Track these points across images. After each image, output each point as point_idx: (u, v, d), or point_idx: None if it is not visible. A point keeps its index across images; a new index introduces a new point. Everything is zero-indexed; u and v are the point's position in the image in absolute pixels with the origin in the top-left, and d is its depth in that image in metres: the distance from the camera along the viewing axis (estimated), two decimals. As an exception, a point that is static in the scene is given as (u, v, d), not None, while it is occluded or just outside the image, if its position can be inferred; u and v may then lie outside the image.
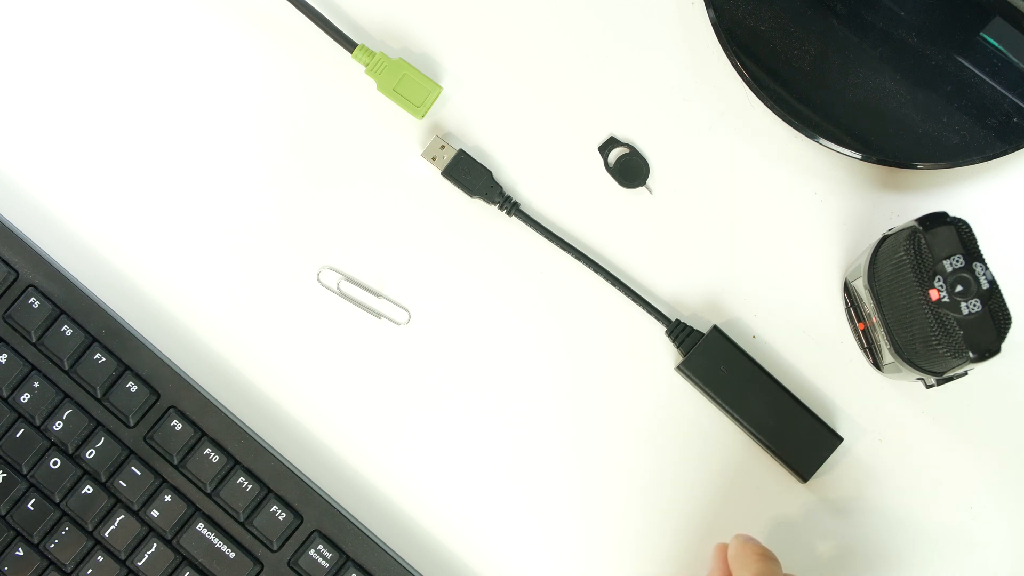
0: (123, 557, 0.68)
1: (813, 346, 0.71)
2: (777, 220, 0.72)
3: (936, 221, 0.64)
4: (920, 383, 0.68)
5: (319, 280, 0.72)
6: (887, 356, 0.68)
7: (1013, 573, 0.70)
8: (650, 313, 0.71)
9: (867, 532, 0.70)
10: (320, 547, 0.68)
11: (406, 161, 0.73)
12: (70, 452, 0.69)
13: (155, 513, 0.68)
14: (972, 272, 0.63)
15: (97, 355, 0.69)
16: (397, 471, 0.71)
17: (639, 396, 0.71)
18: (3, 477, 0.68)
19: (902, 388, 0.71)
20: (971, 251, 0.63)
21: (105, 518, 0.68)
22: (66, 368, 0.69)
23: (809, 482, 0.70)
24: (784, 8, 0.71)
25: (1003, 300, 0.63)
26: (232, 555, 0.68)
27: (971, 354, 0.62)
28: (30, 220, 0.72)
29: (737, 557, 0.65)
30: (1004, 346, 0.63)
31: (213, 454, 0.69)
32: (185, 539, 0.68)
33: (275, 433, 0.71)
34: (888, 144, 0.70)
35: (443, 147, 0.72)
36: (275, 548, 0.69)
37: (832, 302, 0.72)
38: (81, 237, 0.72)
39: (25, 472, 0.69)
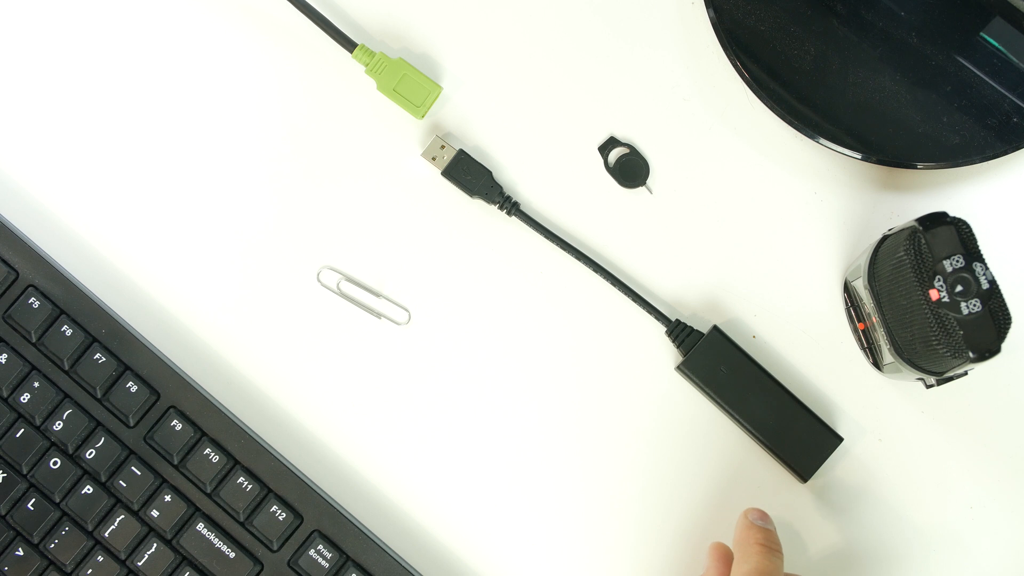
0: (123, 557, 0.68)
1: (813, 346, 0.71)
2: (777, 220, 0.72)
3: (936, 221, 0.64)
4: (920, 383, 0.68)
5: (319, 280, 0.72)
6: (887, 356, 0.68)
7: (1013, 573, 0.70)
8: (650, 313, 0.71)
9: (867, 532, 0.70)
10: (320, 547, 0.68)
11: (406, 161, 0.73)
12: (70, 452, 0.69)
13: (155, 513, 0.68)
14: (972, 272, 0.63)
15: (97, 355, 0.69)
16: (397, 471, 0.71)
17: (639, 396, 0.71)
18: (3, 477, 0.68)
19: (902, 388, 0.71)
20: (971, 251, 0.63)
21: (105, 518, 0.68)
22: (66, 368, 0.69)
23: (809, 482, 0.70)
24: (784, 8, 0.71)
25: (1003, 300, 0.63)
26: (232, 555, 0.68)
27: (971, 354, 0.62)
28: (30, 220, 0.72)
29: (740, 543, 0.66)
30: (1004, 346, 0.63)
31: (213, 454, 0.69)
32: (185, 539, 0.68)
33: (275, 433, 0.71)
34: (888, 144, 0.70)
35: (443, 147, 0.72)
36: (275, 548, 0.69)
37: (832, 302, 0.72)
38: (81, 237, 0.72)
39: (25, 472, 0.69)
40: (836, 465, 0.70)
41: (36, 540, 0.68)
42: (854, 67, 0.71)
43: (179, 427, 0.69)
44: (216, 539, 0.68)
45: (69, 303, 0.70)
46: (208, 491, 0.69)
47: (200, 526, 0.68)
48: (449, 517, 0.71)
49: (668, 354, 0.72)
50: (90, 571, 0.68)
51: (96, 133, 0.73)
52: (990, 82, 0.70)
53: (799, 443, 0.70)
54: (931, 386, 0.67)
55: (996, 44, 0.71)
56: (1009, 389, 0.71)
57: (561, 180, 0.73)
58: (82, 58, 0.73)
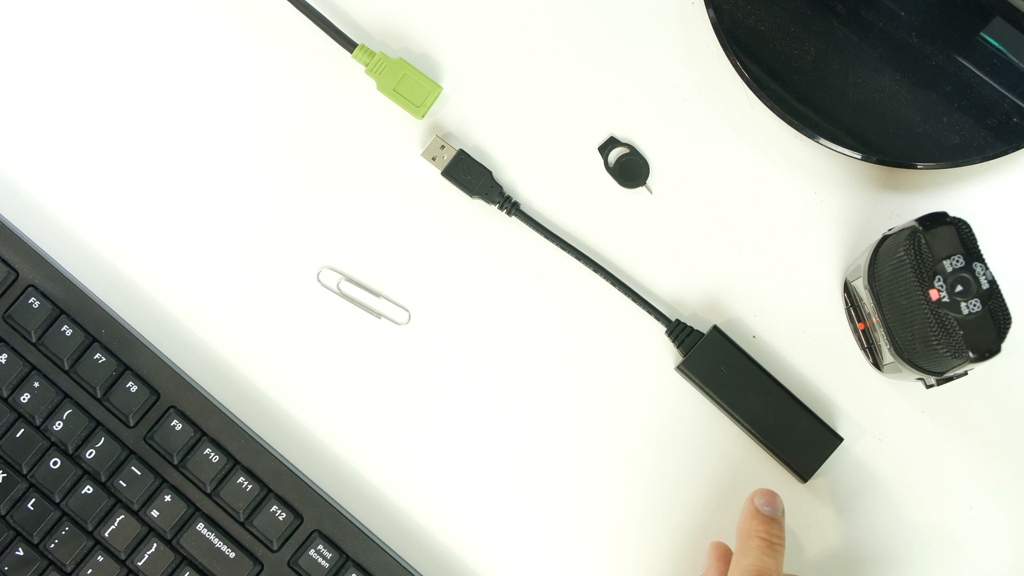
0: (123, 557, 0.68)
1: (813, 346, 0.71)
2: (777, 220, 0.72)
3: (936, 221, 0.64)
4: (920, 383, 0.68)
5: (319, 280, 0.72)
6: (887, 356, 0.68)
7: (1013, 573, 0.70)
8: (650, 313, 0.71)
9: (867, 532, 0.70)
10: (320, 547, 0.68)
11: (406, 161, 0.73)
12: (70, 452, 0.69)
13: (155, 513, 0.68)
14: (972, 272, 0.63)
15: (97, 355, 0.69)
16: (397, 471, 0.71)
17: (639, 396, 0.71)
18: (3, 477, 0.68)
19: (902, 388, 0.71)
20: (971, 251, 0.63)
21: (105, 518, 0.68)
22: (66, 368, 0.69)
23: (809, 482, 0.70)
24: (784, 8, 0.71)
25: (1003, 300, 0.63)
26: (232, 555, 0.68)
27: (971, 354, 0.62)
28: (30, 220, 0.72)
29: (742, 533, 0.66)
30: (1004, 346, 0.63)
31: (213, 454, 0.69)
32: (185, 539, 0.68)
33: (275, 433, 0.71)
34: (888, 144, 0.70)
35: (443, 147, 0.72)
36: (275, 548, 0.69)
37: (832, 302, 0.72)
38: (81, 237, 0.72)
39: (25, 472, 0.69)
40: (836, 465, 0.70)
41: (36, 540, 0.68)
42: (854, 67, 0.71)
43: (179, 427, 0.69)
44: (216, 539, 0.68)
45: (69, 303, 0.70)
46: (208, 491, 0.69)
47: (200, 526, 0.68)
48: (449, 517, 0.71)
49: (668, 354, 0.72)
50: (90, 571, 0.68)
51: (96, 133, 0.73)
52: (990, 82, 0.70)
53: (799, 443, 0.70)
54: (931, 386, 0.67)
55: (996, 44, 0.71)
56: (1009, 389, 0.71)
57: (561, 180, 0.73)
58: (82, 58, 0.73)
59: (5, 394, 0.69)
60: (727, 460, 0.71)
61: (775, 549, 0.65)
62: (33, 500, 0.68)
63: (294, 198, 0.73)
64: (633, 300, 0.71)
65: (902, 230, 0.65)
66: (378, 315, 0.72)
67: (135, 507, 0.69)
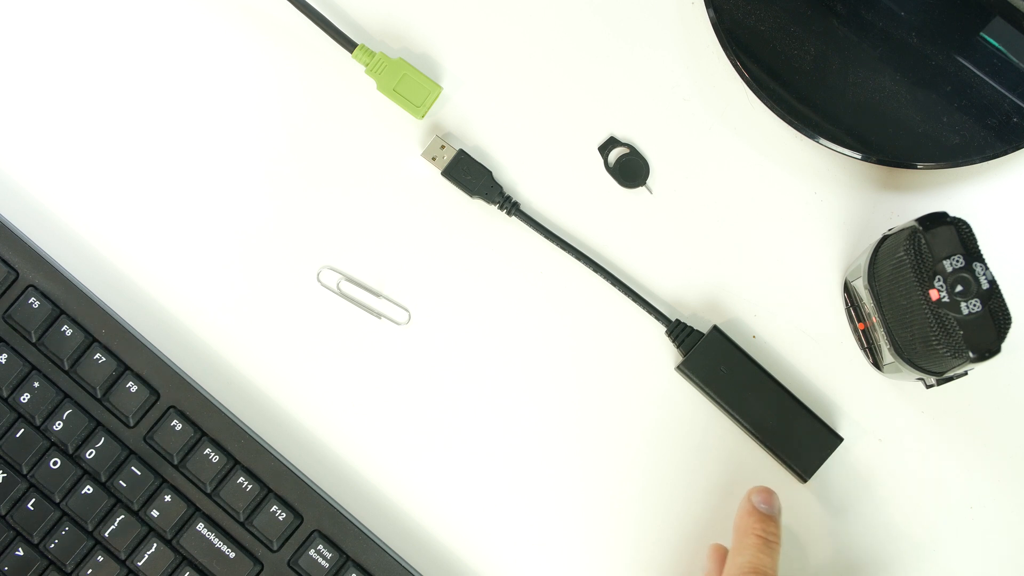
0: (123, 557, 0.68)
1: (813, 346, 0.71)
2: (777, 220, 0.72)
3: (936, 221, 0.64)
4: (920, 383, 0.68)
5: (319, 280, 0.72)
6: (887, 356, 0.68)
7: (1013, 573, 0.70)
8: (650, 313, 0.71)
9: (867, 532, 0.70)
10: (320, 547, 0.68)
11: (406, 161, 0.73)
12: (70, 452, 0.69)
13: (155, 513, 0.68)
14: (972, 272, 0.63)
15: (97, 355, 0.69)
16: (397, 471, 0.71)
17: (639, 396, 0.71)
18: (3, 477, 0.68)
19: (902, 388, 0.71)
20: (971, 251, 0.63)
21: (105, 518, 0.68)
22: (66, 368, 0.69)
23: (809, 482, 0.70)
24: (784, 8, 0.71)
25: (1003, 300, 0.63)
26: (232, 555, 0.68)
27: (971, 354, 0.62)
28: (30, 220, 0.72)
29: (738, 530, 0.66)
30: (1004, 346, 0.63)
31: (213, 454, 0.69)
32: (185, 539, 0.68)
33: (275, 433, 0.71)
34: (888, 144, 0.70)
35: (443, 147, 0.72)
36: (275, 548, 0.69)
37: (832, 302, 0.72)
38: (81, 237, 0.72)
39: (25, 472, 0.69)
40: (836, 465, 0.70)
41: (36, 540, 0.68)
42: (854, 67, 0.71)
43: (179, 427, 0.69)
44: (216, 539, 0.68)
45: (69, 303, 0.70)
46: (208, 491, 0.69)
47: (200, 526, 0.68)
48: (449, 517, 0.71)
49: (668, 354, 0.72)
50: (90, 571, 0.68)
51: (96, 133, 0.73)
52: (990, 82, 0.70)
53: (799, 443, 0.70)
54: (931, 386, 0.67)
55: (996, 44, 0.71)
56: (1009, 389, 0.71)
57: (561, 180, 0.73)
58: (82, 58, 0.73)
59: (5, 394, 0.69)
60: (727, 460, 0.71)
61: (771, 547, 0.65)
62: (33, 500, 0.68)
63: (294, 198, 0.73)
64: (633, 300, 0.71)
65: (902, 230, 0.65)
66: (378, 315, 0.72)
67: (135, 507, 0.69)
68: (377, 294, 0.72)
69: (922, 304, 0.63)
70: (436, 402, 0.71)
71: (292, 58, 0.73)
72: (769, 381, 0.70)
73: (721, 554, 0.67)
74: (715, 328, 0.71)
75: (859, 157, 0.70)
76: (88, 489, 0.68)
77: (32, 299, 0.70)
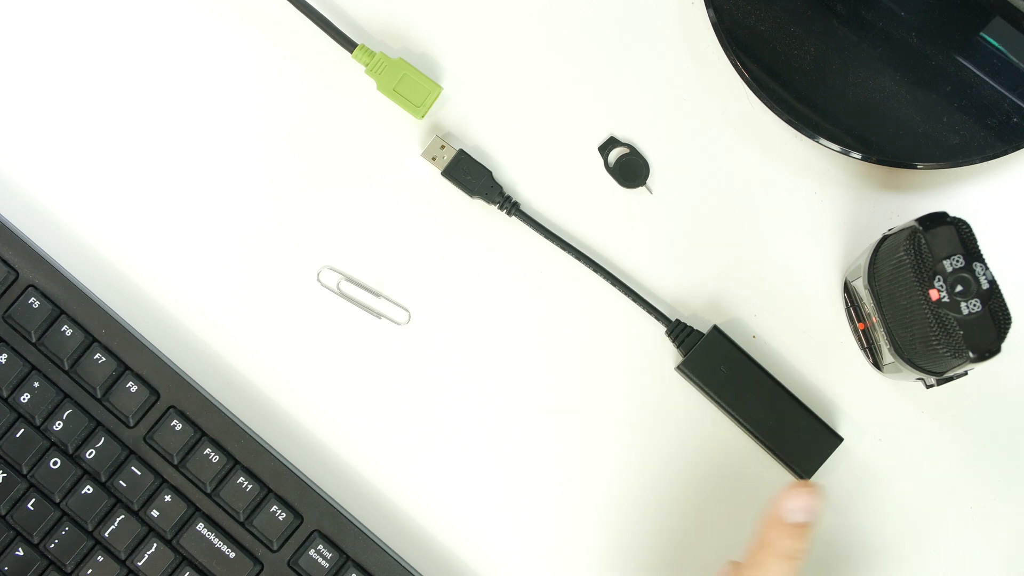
0: (123, 557, 0.68)
1: (813, 346, 0.71)
2: (777, 220, 0.72)
3: (936, 221, 0.64)
4: (920, 383, 0.68)
5: (319, 280, 0.72)
6: (887, 356, 0.68)
7: (1013, 573, 0.70)
8: (650, 313, 0.71)
9: (867, 532, 0.70)
10: (320, 547, 0.68)
11: (406, 161, 0.73)
12: (70, 452, 0.69)
13: (155, 513, 0.68)
14: (972, 272, 0.63)
15: (97, 355, 0.69)
16: (397, 471, 0.71)
17: (639, 396, 0.71)
18: (3, 477, 0.68)
19: (902, 388, 0.71)
20: (971, 251, 0.63)
21: (105, 518, 0.68)
22: (66, 368, 0.69)
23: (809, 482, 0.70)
24: (784, 8, 0.71)
25: (1003, 300, 0.63)
26: (232, 555, 0.68)
27: (971, 354, 0.62)
28: (30, 220, 0.72)
29: (760, 542, 0.59)
30: (1004, 346, 0.63)
31: (213, 454, 0.69)
32: (185, 539, 0.68)
33: (275, 433, 0.71)
34: (888, 144, 0.70)
35: (443, 147, 0.72)
36: (275, 548, 0.69)
37: (832, 302, 0.72)
38: (81, 237, 0.72)
39: (25, 472, 0.69)
40: (836, 465, 0.70)
41: (36, 540, 0.68)
42: (854, 67, 0.71)
43: (179, 427, 0.69)
44: (216, 539, 0.68)
45: (69, 303, 0.70)
46: (208, 491, 0.69)
47: (200, 526, 0.68)
48: (449, 517, 0.71)
49: (668, 354, 0.72)
50: (90, 571, 0.68)
51: (96, 133, 0.73)
52: (990, 82, 0.70)
53: (799, 443, 0.70)
54: (931, 386, 0.67)
55: (996, 44, 0.71)
56: (1009, 389, 0.71)
57: (561, 180, 0.73)
58: (82, 58, 0.73)
59: (5, 394, 0.69)
60: (727, 460, 0.71)
61: (794, 569, 0.58)
62: (33, 500, 0.68)
63: (294, 198, 0.73)
64: (633, 300, 0.71)
65: (902, 230, 0.65)
66: (378, 315, 0.72)
67: (135, 507, 0.69)
68: (377, 294, 0.72)
69: (922, 304, 0.63)
70: (436, 402, 0.71)
71: (292, 58, 0.73)
72: (769, 381, 0.70)
73: (735, 572, 0.63)
74: (715, 328, 0.71)
75: (859, 157, 0.70)
76: (88, 489, 0.68)
77: (32, 299, 0.70)
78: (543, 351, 0.71)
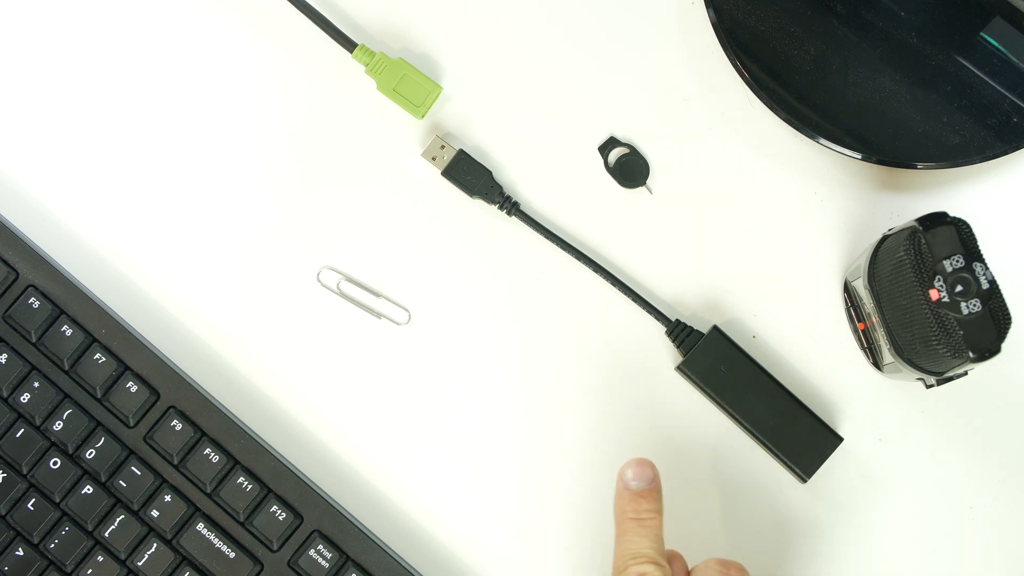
0: (123, 557, 0.68)
1: (813, 346, 0.71)
2: (777, 220, 0.72)
3: (936, 221, 0.64)
4: (920, 383, 0.68)
5: (319, 280, 0.72)
6: (887, 356, 0.68)
7: (1013, 573, 0.70)
8: (650, 313, 0.71)
9: (867, 532, 0.70)
10: (320, 547, 0.68)
11: (406, 161, 0.73)
12: (70, 452, 0.69)
13: (155, 513, 0.68)
14: (972, 272, 0.63)
15: (97, 355, 0.69)
16: (397, 471, 0.71)
17: (639, 396, 0.71)
18: (3, 477, 0.68)
19: (902, 388, 0.71)
20: (971, 251, 0.63)
21: (105, 518, 0.68)
22: (66, 368, 0.69)
23: (809, 482, 0.70)
24: (784, 8, 0.71)
25: (1003, 300, 0.63)
26: (232, 555, 0.68)
27: (971, 354, 0.62)
28: (30, 220, 0.72)
29: (615, 517, 0.63)
30: (1004, 346, 0.63)
31: (213, 454, 0.69)
32: (185, 539, 0.68)
33: (275, 433, 0.71)
34: (888, 144, 0.70)
35: (443, 147, 0.72)
36: (275, 548, 0.69)
37: (832, 302, 0.72)
38: (81, 237, 0.72)
39: (25, 472, 0.69)
40: (836, 465, 0.70)
41: (36, 540, 0.68)
42: (854, 67, 0.71)
43: (179, 427, 0.69)
44: (216, 539, 0.68)
45: (69, 303, 0.70)
46: (208, 491, 0.69)
47: (200, 526, 0.68)
48: (449, 517, 0.71)
49: (668, 354, 0.72)
50: (90, 571, 0.68)
51: (96, 133, 0.73)
52: (990, 82, 0.70)
53: (799, 443, 0.70)
54: (931, 386, 0.67)
55: (996, 44, 0.71)
56: (1009, 389, 0.71)
57: (561, 180, 0.73)
58: (82, 58, 0.73)
59: (5, 394, 0.69)
60: (727, 460, 0.71)
61: (647, 527, 0.62)
62: (33, 500, 0.68)
63: (294, 198, 0.73)
64: (633, 300, 0.71)
65: (902, 230, 0.65)
66: (378, 315, 0.72)
67: (135, 507, 0.69)
68: (377, 294, 0.72)
69: (922, 304, 0.63)
70: (436, 402, 0.71)
71: (292, 58, 0.73)
72: (769, 381, 0.70)
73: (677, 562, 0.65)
74: (715, 328, 0.71)
75: (859, 157, 0.70)
76: (88, 489, 0.68)
77: (32, 299, 0.70)
78: (543, 351, 0.71)
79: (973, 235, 0.64)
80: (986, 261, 0.63)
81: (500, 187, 0.72)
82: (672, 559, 0.64)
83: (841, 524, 0.70)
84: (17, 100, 0.73)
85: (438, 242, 0.72)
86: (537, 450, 0.71)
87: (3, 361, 0.69)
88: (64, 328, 0.69)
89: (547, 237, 0.72)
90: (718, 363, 0.70)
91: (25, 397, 0.69)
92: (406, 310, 0.72)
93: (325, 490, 0.70)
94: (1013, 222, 0.72)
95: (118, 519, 0.68)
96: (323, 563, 0.68)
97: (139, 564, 0.68)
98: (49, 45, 0.74)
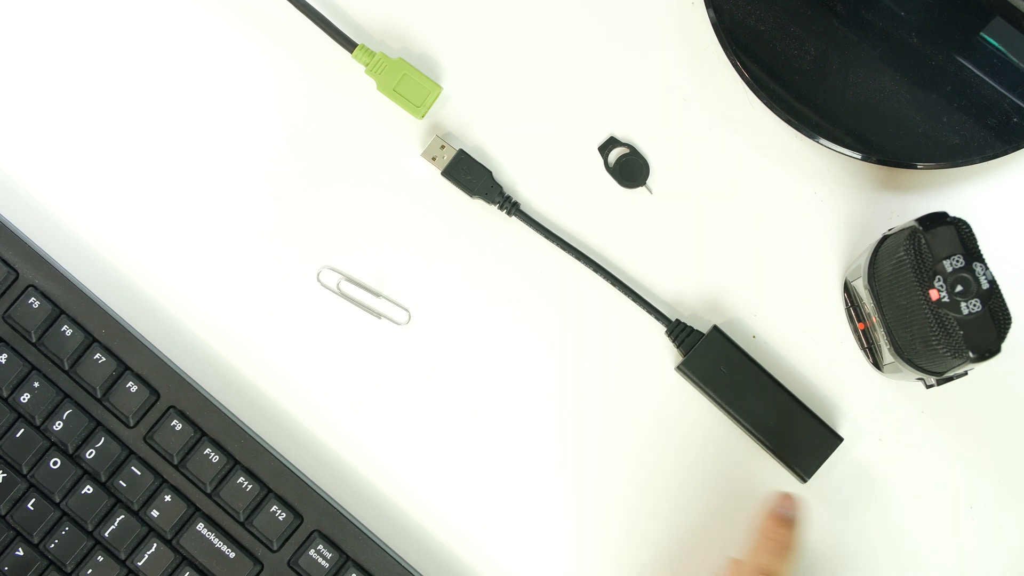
0: (123, 557, 0.68)
1: (813, 346, 0.71)
2: (777, 220, 0.72)
3: (936, 221, 0.64)
4: (920, 383, 0.68)
5: (319, 280, 0.72)
6: (887, 356, 0.68)
7: (1013, 573, 0.70)
8: (650, 313, 0.71)
9: (867, 532, 0.70)
10: (320, 547, 0.68)
11: (406, 161, 0.73)
12: (70, 452, 0.69)
13: (155, 513, 0.68)
14: (972, 272, 0.63)
15: (97, 355, 0.69)
16: (397, 471, 0.71)
17: (639, 396, 0.71)
18: (3, 477, 0.68)
19: (902, 388, 0.71)
20: (971, 251, 0.63)
21: (105, 518, 0.68)
22: (66, 368, 0.69)
23: (809, 482, 0.70)
24: (784, 8, 0.71)
25: (1003, 300, 0.63)
26: (232, 555, 0.68)
27: (971, 354, 0.62)
28: (30, 220, 0.72)
29: (759, 533, 0.65)
30: (1004, 346, 0.63)
31: (213, 454, 0.69)
32: (185, 539, 0.68)
33: (275, 433, 0.71)
34: (888, 144, 0.70)
35: (443, 147, 0.72)
36: (275, 548, 0.69)
37: (832, 302, 0.72)
38: (81, 237, 0.72)
39: (25, 472, 0.69)
40: (836, 465, 0.70)
41: (36, 540, 0.68)
42: (854, 67, 0.71)
43: (179, 427, 0.69)
44: (216, 539, 0.68)
45: (69, 303, 0.70)
46: (208, 491, 0.69)
47: (200, 526, 0.68)
48: (449, 517, 0.71)
49: (668, 354, 0.72)
50: (90, 571, 0.68)
51: (96, 133, 0.73)
52: (990, 82, 0.70)
53: (799, 443, 0.70)
54: (931, 386, 0.67)
55: (996, 44, 0.71)
56: (1009, 389, 0.71)
57: (561, 180, 0.73)
58: (82, 58, 0.73)
59: (5, 394, 0.69)
60: (727, 460, 0.71)
61: (782, 552, 0.64)
62: (33, 500, 0.68)
63: (294, 198, 0.73)
64: (633, 300, 0.71)
65: (902, 230, 0.65)
66: (378, 315, 0.72)
67: (135, 507, 0.69)
68: (377, 294, 0.72)
69: (922, 304, 0.63)
70: (436, 402, 0.71)
71: (292, 58, 0.73)
72: (769, 381, 0.70)
73: (736, 569, 0.66)
74: (715, 328, 0.71)
75: (859, 157, 0.70)
76: (88, 489, 0.68)
77: (32, 299, 0.70)
78: (543, 351, 0.71)
79: (973, 235, 0.64)
80: (986, 261, 0.63)
81: (500, 187, 0.72)
82: None
83: (841, 524, 0.70)
84: (17, 100, 0.73)
85: (438, 242, 0.72)
86: (536, 450, 0.71)
87: (3, 361, 0.69)
88: (64, 328, 0.69)
89: (547, 237, 0.72)
90: (718, 363, 0.70)
91: (25, 397, 0.69)
92: (406, 310, 0.72)
93: (325, 490, 0.70)
94: (1013, 222, 0.72)
95: (118, 519, 0.68)
96: (323, 563, 0.68)
97: (139, 564, 0.68)
98: (49, 45, 0.74)
